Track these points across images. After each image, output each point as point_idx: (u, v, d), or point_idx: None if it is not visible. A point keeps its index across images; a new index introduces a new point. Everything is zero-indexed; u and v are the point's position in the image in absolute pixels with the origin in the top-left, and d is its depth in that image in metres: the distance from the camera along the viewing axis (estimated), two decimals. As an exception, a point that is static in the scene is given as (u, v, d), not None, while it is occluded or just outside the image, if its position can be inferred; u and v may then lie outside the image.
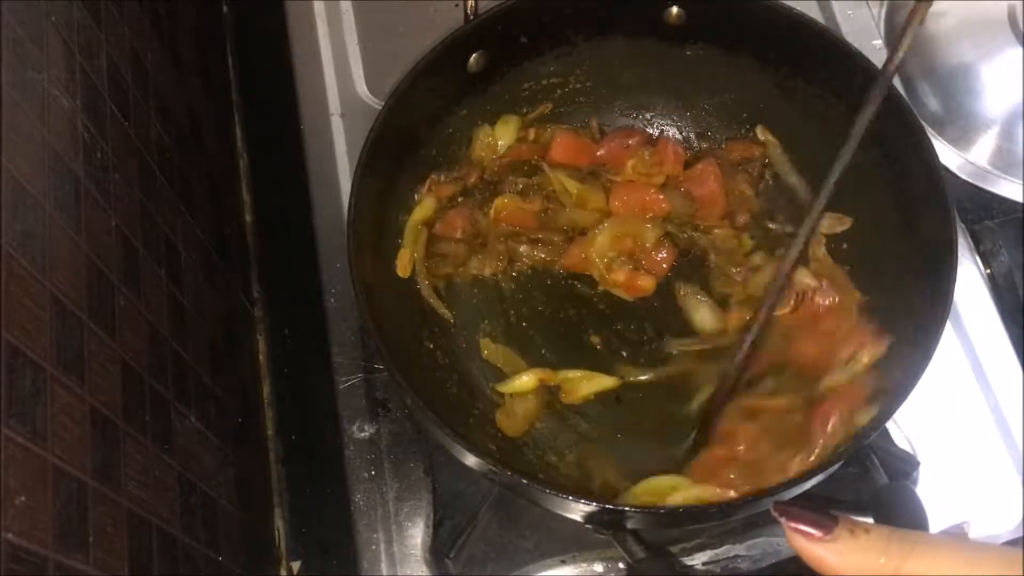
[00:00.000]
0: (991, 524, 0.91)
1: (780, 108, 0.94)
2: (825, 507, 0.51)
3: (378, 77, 1.13)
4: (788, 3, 0.88)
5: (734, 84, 0.96)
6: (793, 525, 0.50)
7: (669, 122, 1.01)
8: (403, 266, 0.91)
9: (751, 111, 0.97)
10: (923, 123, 0.82)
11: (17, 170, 0.53)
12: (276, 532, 0.94)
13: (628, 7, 0.92)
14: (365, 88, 1.12)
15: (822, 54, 0.87)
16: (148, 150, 0.77)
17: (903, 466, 0.89)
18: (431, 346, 0.91)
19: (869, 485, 0.81)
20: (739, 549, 0.90)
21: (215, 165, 1.01)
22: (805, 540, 0.50)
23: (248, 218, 1.10)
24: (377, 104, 1.11)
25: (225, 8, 1.21)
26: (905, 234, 0.84)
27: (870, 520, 0.60)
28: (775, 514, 0.51)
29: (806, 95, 0.91)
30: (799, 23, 0.87)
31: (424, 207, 0.93)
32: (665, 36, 0.94)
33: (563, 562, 0.89)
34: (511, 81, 0.96)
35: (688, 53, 0.95)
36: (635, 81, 0.99)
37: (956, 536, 0.54)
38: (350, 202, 0.81)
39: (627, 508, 0.72)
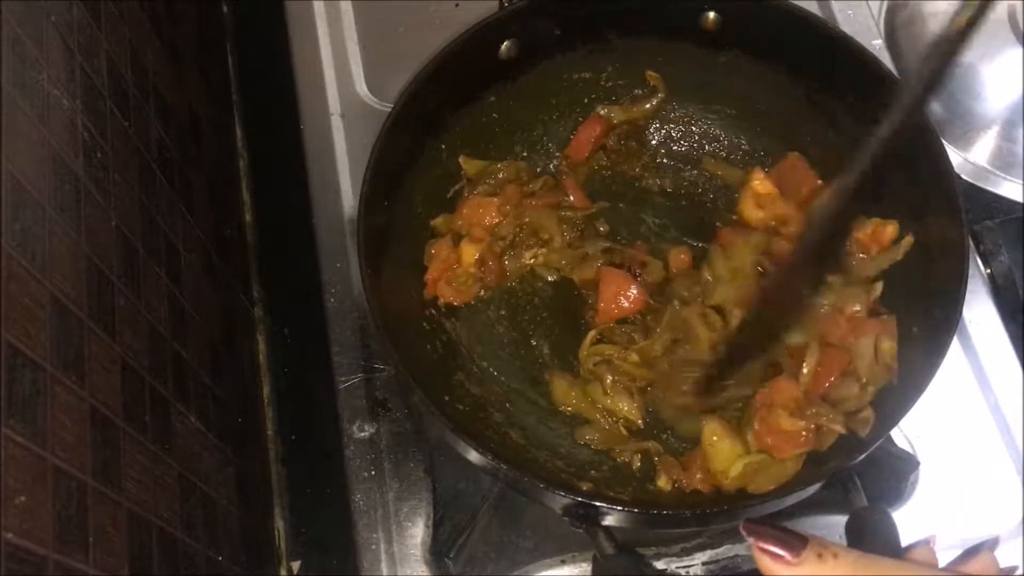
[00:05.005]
0: (991, 524, 0.91)
1: (811, 121, 0.93)
2: (794, 529, 0.50)
3: (378, 77, 1.13)
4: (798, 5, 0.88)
5: (766, 94, 0.95)
6: (761, 544, 0.49)
7: (699, 127, 1.00)
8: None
9: (782, 122, 0.96)
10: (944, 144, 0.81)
11: (17, 170, 0.53)
12: (276, 532, 0.94)
13: (665, 8, 0.92)
14: (365, 88, 1.12)
15: (853, 71, 0.86)
16: (148, 150, 0.77)
17: (903, 466, 0.89)
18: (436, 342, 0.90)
19: (847, 507, 0.81)
20: (739, 549, 0.90)
21: (215, 165, 1.01)
22: (771, 560, 0.49)
23: (248, 218, 1.10)
24: (377, 104, 1.11)
25: (225, 8, 1.21)
26: (920, 258, 0.84)
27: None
28: (743, 532, 0.50)
29: (836, 111, 0.90)
30: (833, 37, 0.87)
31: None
32: (700, 41, 0.93)
33: (563, 562, 0.89)
34: (541, 73, 0.95)
35: (722, 59, 0.94)
36: (666, 84, 0.98)
37: (925, 562, 0.54)
38: (365, 176, 0.80)
39: (601, 504, 0.72)
